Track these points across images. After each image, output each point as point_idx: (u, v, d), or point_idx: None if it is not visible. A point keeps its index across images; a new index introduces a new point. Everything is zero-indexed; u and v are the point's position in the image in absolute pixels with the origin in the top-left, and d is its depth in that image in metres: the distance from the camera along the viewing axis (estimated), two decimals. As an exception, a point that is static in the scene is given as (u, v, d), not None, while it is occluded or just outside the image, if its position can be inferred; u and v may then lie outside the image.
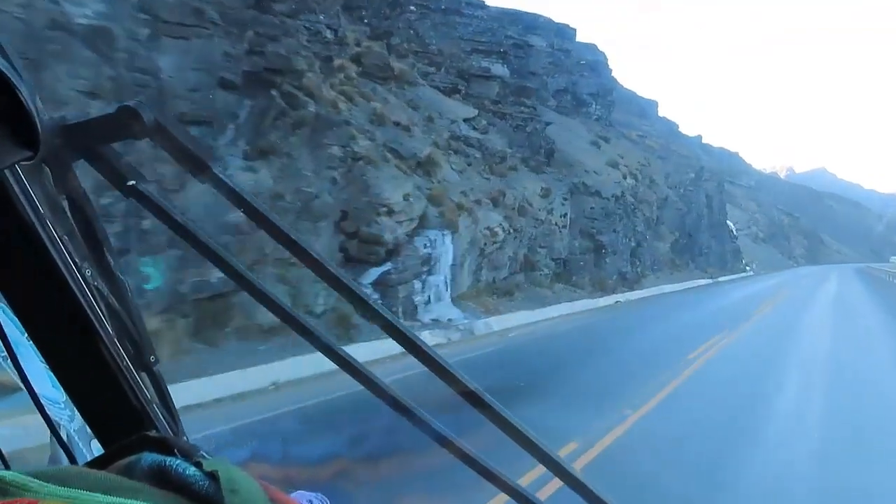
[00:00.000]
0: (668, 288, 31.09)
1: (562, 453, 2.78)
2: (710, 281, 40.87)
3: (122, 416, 0.71)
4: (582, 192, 26.24)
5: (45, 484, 0.36)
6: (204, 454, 0.56)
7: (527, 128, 25.56)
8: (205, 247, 0.68)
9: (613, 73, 69.73)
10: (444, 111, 24.52)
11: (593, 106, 51.90)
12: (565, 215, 23.94)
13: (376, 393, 0.81)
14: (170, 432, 0.74)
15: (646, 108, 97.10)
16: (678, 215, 43.32)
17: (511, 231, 20.22)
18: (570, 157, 29.46)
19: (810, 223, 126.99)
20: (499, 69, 28.70)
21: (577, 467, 1.17)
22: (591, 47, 56.41)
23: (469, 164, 22.43)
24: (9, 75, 0.43)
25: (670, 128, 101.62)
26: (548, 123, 26.50)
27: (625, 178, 31.86)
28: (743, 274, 55.37)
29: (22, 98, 0.44)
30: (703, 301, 24.97)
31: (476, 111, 25.53)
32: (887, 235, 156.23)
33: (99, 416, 0.72)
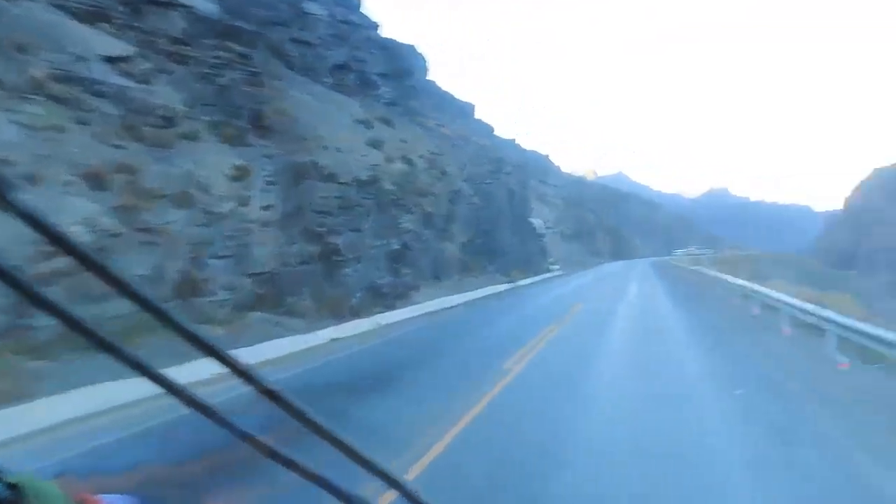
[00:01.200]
0: (449, 301, 24.28)
1: None
2: (508, 286, 35.46)
3: None
4: (311, 176, 18.33)
5: None
6: (2, 471, 0.53)
7: (218, 78, 17.01)
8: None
9: (428, 68, 63.93)
10: (66, 42, 15.17)
11: (381, 88, 45.23)
12: (270, 207, 15.82)
13: (183, 400, 0.80)
14: None
15: (464, 110, 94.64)
16: (472, 211, 37.60)
17: (123, 231, 11.61)
18: (310, 130, 21.51)
19: (613, 221, 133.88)
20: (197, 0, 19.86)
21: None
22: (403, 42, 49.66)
23: (86, 123, 13.43)
24: None
25: (486, 129, 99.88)
26: (253, 73, 18.16)
27: (390, 161, 24.64)
28: (548, 274, 51.90)
29: None
30: (466, 329, 17.53)
31: (134, 49, 16.49)
32: (672, 230, 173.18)
33: None
